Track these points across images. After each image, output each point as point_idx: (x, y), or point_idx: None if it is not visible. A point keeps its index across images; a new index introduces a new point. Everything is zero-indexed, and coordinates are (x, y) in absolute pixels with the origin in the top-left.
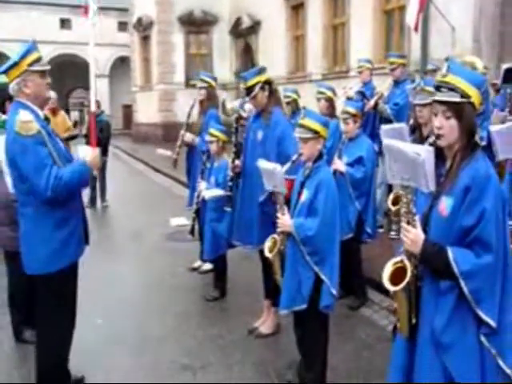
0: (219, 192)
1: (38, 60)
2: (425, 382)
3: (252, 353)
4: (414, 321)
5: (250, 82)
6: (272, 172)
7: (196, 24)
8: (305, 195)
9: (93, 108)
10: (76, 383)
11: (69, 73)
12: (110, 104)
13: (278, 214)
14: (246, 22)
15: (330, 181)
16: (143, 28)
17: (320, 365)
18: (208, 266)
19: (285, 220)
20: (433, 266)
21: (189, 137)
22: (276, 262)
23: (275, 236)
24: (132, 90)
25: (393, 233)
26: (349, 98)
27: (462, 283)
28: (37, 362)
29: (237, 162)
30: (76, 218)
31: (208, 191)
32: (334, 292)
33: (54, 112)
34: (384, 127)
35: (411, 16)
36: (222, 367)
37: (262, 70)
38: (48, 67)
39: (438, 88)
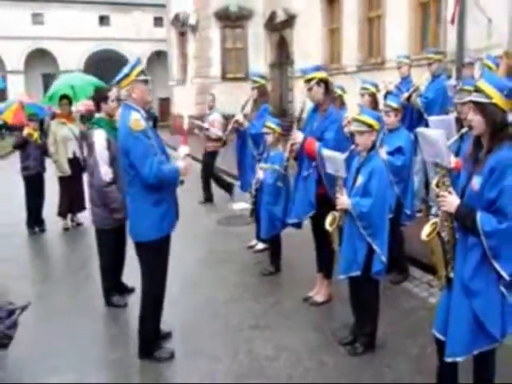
0: (275, 167)
1: (143, 71)
2: (457, 319)
3: (308, 317)
4: (451, 274)
5: (308, 76)
6: (334, 159)
7: (232, 19)
8: (360, 180)
9: (186, 125)
10: (165, 336)
11: (108, 68)
12: None
13: (338, 194)
14: (281, 16)
15: (383, 168)
16: (181, 24)
17: (371, 326)
18: (261, 245)
19: (344, 199)
20: (464, 223)
21: (240, 117)
22: (335, 234)
23: (335, 212)
24: (169, 83)
25: (431, 217)
26: (388, 92)
27: (483, 240)
28: (141, 314)
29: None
30: (170, 198)
31: (265, 165)
32: (384, 259)
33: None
34: (432, 118)
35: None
36: (284, 327)
37: (320, 68)
38: (149, 77)
39: (474, 90)
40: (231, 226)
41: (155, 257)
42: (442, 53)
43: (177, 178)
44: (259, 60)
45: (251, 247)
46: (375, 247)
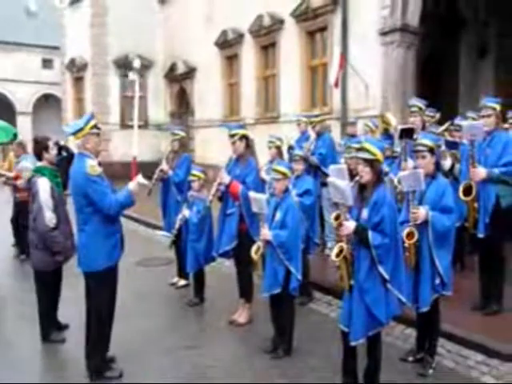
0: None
1: (95, 125)
2: (356, 313)
3: (235, 335)
4: (352, 282)
5: (232, 132)
6: (259, 200)
7: (131, 67)
8: (278, 215)
9: (135, 153)
10: (110, 360)
11: None
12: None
13: (261, 228)
14: (181, 68)
15: (295, 205)
16: (77, 69)
17: (289, 334)
18: (183, 282)
19: (266, 232)
20: (360, 238)
21: (165, 166)
22: (259, 261)
23: (259, 243)
24: (63, 129)
25: (328, 250)
26: (290, 146)
27: (373, 250)
28: (92, 336)
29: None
30: (118, 232)
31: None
32: (299, 277)
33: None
34: (332, 167)
35: (333, 74)
36: (216, 345)
37: (243, 126)
38: (100, 130)
39: (360, 149)
40: (150, 266)
41: (108, 283)
42: (320, 115)
43: (132, 200)
44: (159, 109)
45: (173, 284)
46: (291, 269)
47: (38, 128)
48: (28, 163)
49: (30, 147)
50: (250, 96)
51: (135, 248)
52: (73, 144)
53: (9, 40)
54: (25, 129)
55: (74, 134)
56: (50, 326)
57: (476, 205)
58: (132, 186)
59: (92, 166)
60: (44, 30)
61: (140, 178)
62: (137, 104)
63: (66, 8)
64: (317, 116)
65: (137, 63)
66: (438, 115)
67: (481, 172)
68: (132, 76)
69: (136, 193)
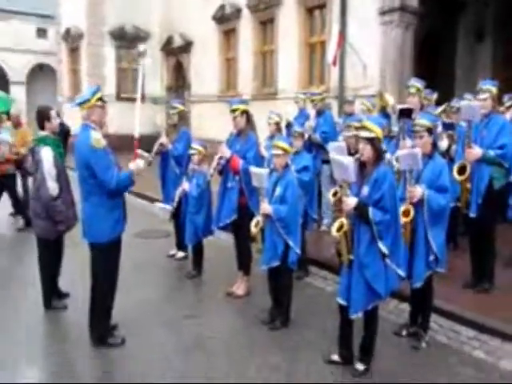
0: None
1: (101, 98)
2: (356, 287)
3: (233, 307)
4: (351, 257)
5: (233, 107)
6: (260, 174)
7: (127, 39)
8: (278, 190)
9: (136, 134)
10: (113, 327)
11: None
12: (28, 112)
13: (261, 203)
14: (178, 42)
15: (295, 181)
16: (72, 39)
17: (286, 306)
18: (181, 254)
19: (266, 206)
20: (361, 214)
21: (164, 139)
22: (258, 234)
23: (258, 217)
24: (58, 100)
25: (324, 227)
26: (289, 123)
27: (374, 227)
28: (96, 305)
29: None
30: (122, 204)
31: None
32: (298, 251)
33: (18, 125)
34: (331, 144)
35: (331, 52)
36: (214, 316)
37: (244, 102)
38: (105, 103)
39: (360, 127)
40: (149, 238)
41: (110, 255)
42: (321, 93)
43: (132, 181)
44: (156, 82)
45: (172, 256)
46: (290, 242)
47: (33, 98)
48: (7, 135)
49: (23, 118)
50: (247, 71)
51: (134, 220)
52: (67, 118)
53: (1, 7)
54: (19, 99)
55: (81, 104)
56: (52, 294)
57: (469, 185)
58: (133, 166)
59: (97, 138)
60: None
61: (140, 161)
62: (140, 85)
63: None
64: (319, 94)
65: (142, 48)
66: (435, 95)
67: (476, 152)
68: (148, 61)
69: (137, 173)
